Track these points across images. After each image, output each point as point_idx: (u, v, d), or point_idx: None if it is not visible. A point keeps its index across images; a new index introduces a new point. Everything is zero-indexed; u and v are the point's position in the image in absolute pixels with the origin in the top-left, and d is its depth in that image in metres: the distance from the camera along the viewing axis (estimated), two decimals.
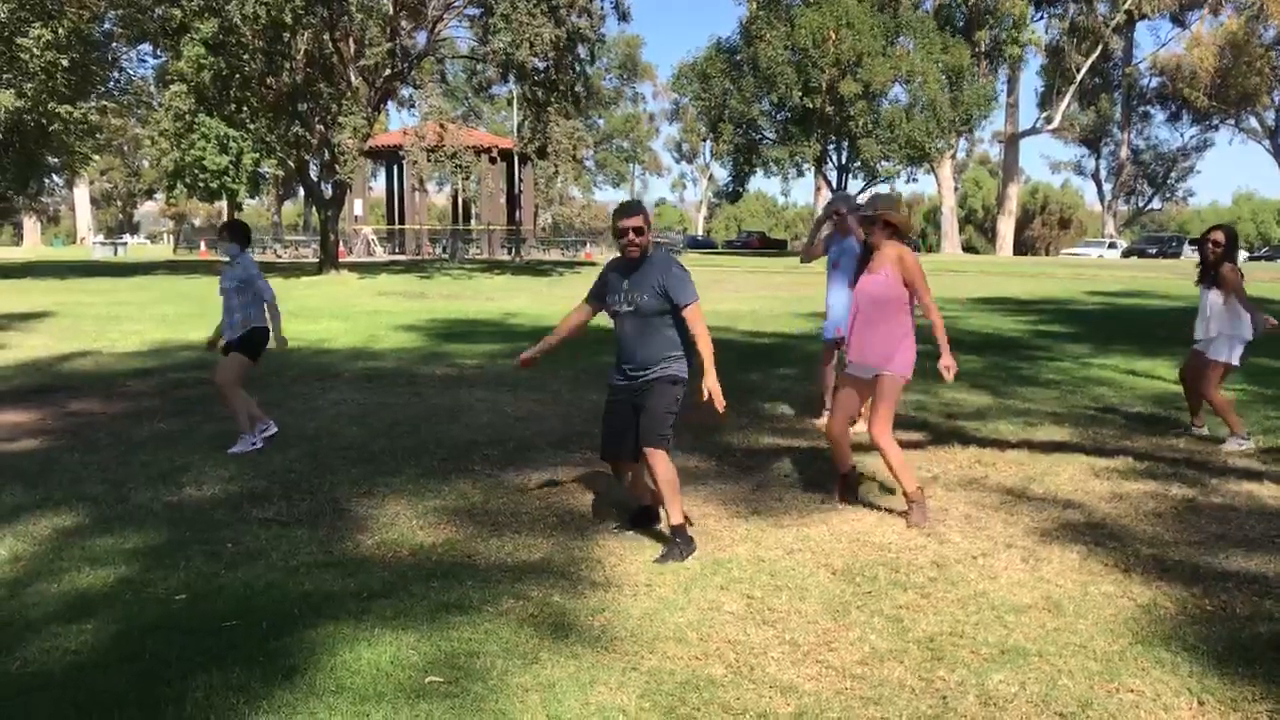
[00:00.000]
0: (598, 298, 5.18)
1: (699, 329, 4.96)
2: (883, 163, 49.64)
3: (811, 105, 46.34)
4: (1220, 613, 4.28)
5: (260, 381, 9.98)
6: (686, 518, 5.08)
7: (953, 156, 61.97)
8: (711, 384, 4.93)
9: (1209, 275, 7.54)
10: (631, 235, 4.93)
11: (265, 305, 7.36)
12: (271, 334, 7.44)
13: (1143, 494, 6.09)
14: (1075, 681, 3.66)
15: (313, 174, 32.80)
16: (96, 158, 53.24)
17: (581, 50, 31.74)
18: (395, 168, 50.11)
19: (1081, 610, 4.31)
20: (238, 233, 7.43)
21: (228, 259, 7.41)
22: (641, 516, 5.43)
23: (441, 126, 30.20)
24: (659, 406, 4.96)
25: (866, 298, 5.66)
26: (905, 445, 7.32)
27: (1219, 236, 7.53)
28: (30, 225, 72.45)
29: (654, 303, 4.94)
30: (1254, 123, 67.15)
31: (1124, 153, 70.43)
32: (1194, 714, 3.45)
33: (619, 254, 5.07)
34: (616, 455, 5.24)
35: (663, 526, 5.20)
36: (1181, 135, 71.76)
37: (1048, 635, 4.05)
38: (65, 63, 27.76)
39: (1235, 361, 7.56)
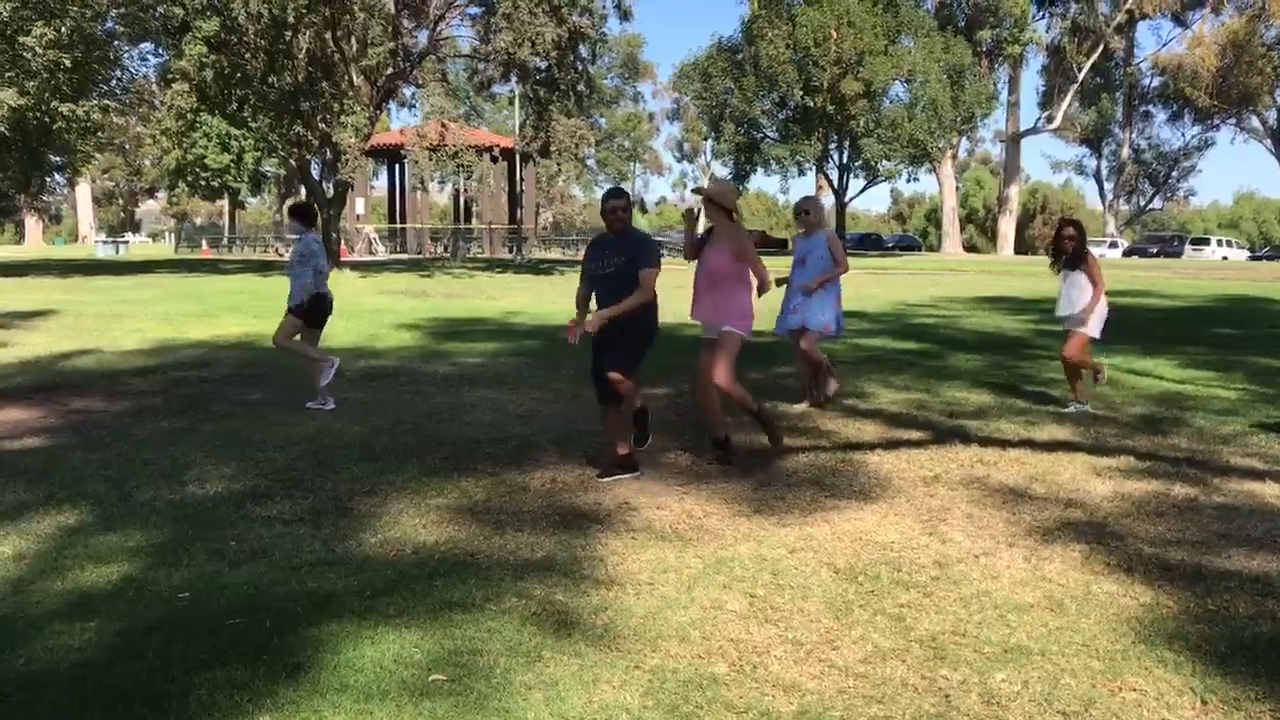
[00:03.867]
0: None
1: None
2: (884, 162, 49.63)
3: (813, 104, 46.31)
4: (1223, 612, 4.28)
5: (262, 379, 10.01)
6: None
7: (954, 156, 61.98)
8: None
9: (1072, 262, 8.47)
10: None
11: (315, 274, 8.48)
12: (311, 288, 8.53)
13: (1145, 493, 6.09)
14: (1078, 680, 3.66)
15: (315, 173, 32.81)
16: (98, 156, 53.25)
17: (583, 49, 31.73)
18: (397, 167, 50.16)
19: (1084, 609, 4.31)
20: (299, 214, 8.76)
21: (296, 237, 8.75)
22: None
23: (443, 125, 30.19)
24: None
25: (709, 271, 6.63)
26: (907, 444, 7.35)
27: (1072, 231, 8.56)
28: (32, 224, 72.52)
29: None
30: (1255, 122, 67.12)
31: (1125, 152, 70.38)
32: (1197, 713, 3.45)
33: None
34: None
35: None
36: (1183, 135, 71.69)
37: (1050, 634, 4.05)
38: (67, 61, 27.73)
39: (1099, 334, 8.59)
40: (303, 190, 51.52)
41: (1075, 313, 8.47)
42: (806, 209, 8.76)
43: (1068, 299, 8.55)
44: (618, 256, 6.14)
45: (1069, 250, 8.48)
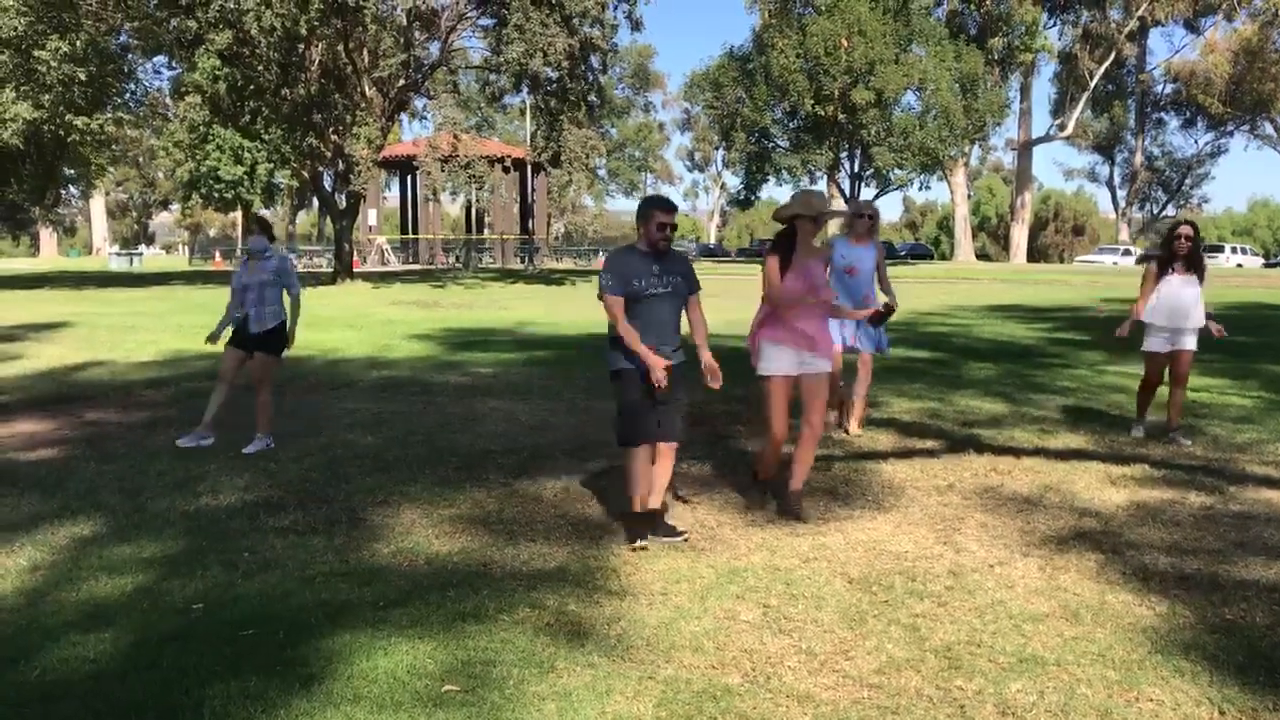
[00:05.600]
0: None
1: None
2: (896, 170, 49.54)
3: (824, 113, 46.32)
4: (1240, 622, 4.26)
5: (275, 390, 10.01)
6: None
7: (966, 164, 61.82)
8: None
9: (1192, 266, 7.63)
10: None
11: (293, 301, 7.73)
12: (290, 330, 7.80)
13: (1160, 501, 6.05)
14: (1094, 690, 3.64)
15: (327, 184, 32.93)
16: (112, 169, 53.66)
17: (594, 60, 31.80)
18: (409, 178, 50.35)
19: (1099, 619, 4.28)
20: (269, 228, 7.83)
21: (260, 252, 7.65)
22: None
23: (455, 136, 30.28)
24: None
25: (813, 292, 5.75)
26: (921, 453, 7.33)
27: (1189, 230, 7.67)
28: (47, 236, 72.87)
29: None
30: (1269, 129, 66.83)
31: (1138, 159, 70.14)
32: None
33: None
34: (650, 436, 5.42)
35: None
36: (1196, 142, 71.36)
37: (1066, 644, 4.03)
38: (82, 75, 27.93)
39: None
40: (315, 201, 51.68)
41: (1190, 324, 7.63)
42: (871, 213, 8.07)
43: (1181, 309, 7.62)
44: (672, 275, 5.34)
45: (1185, 252, 7.61)
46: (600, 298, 5.30)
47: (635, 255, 5.34)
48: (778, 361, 5.72)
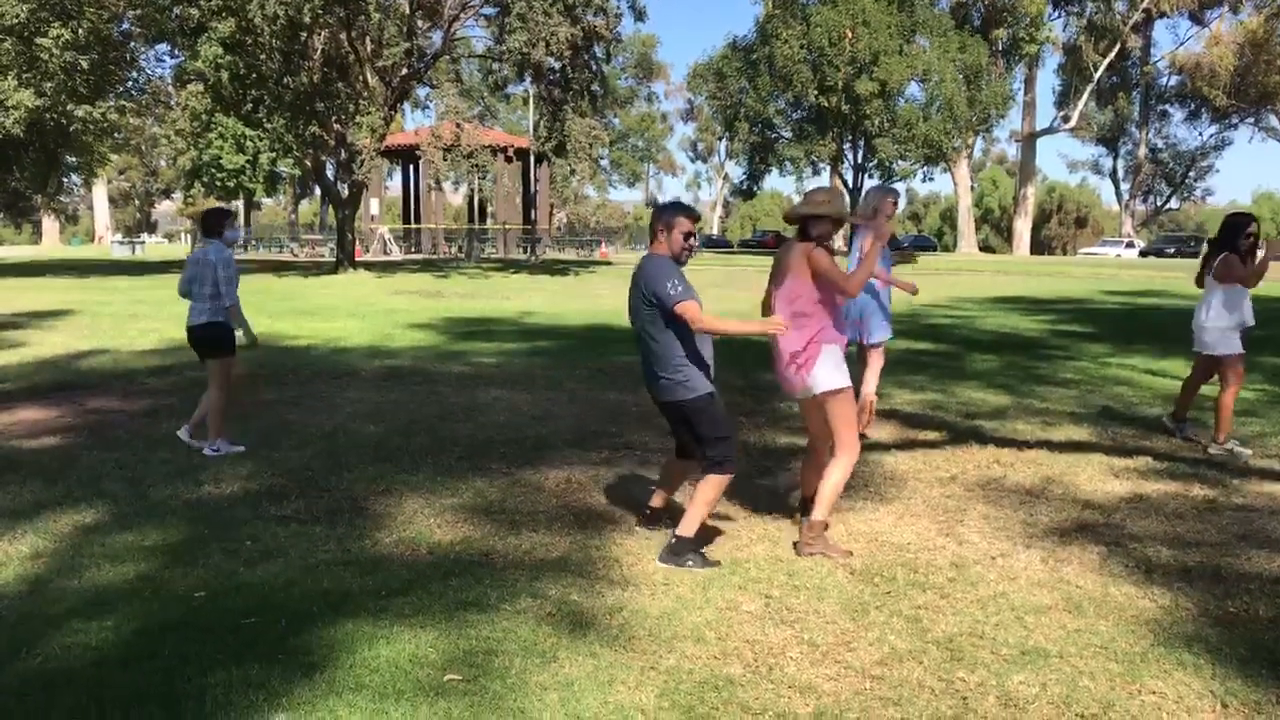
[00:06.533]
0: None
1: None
2: (899, 162, 49.52)
3: (827, 104, 46.29)
4: (1243, 615, 4.25)
5: (278, 379, 10.04)
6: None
7: (969, 156, 61.76)
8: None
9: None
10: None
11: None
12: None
13: (1163, 494, 6.05)
14: (1096, 683, 3.64)
15: (329, 173, 32.89)
16: (114, 157, 53.60)
17: (597, 49, 31.74)
18: (411, 167, 50.29)
19: (1102, 611, 4.28)
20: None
21: (234, 244, 7.48)
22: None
23: (458, 126, 30.23)
24: None
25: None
26: (923, 445, 7.32)
27: (1257, 229, 7.35)
28: (49, 224, 72.92)
29: None
30: (1274, 121, 66.64)
31: (1142, 152, 70.02)
32: (1216, 716, 3.43)
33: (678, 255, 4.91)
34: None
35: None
36: (1200, 134, 71.23)
37: (1068, 636, 4.03)
38: (84, 63, 27.93)
39: None
40: (317, 190, 51.57)
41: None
42: (897, 197, 7.69)
43: (1250, 305, 7.42)
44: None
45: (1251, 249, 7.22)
46: (670, 308, 4.70)
47: (674, 263, 4.86)
48: (843, 367, 5.02)
